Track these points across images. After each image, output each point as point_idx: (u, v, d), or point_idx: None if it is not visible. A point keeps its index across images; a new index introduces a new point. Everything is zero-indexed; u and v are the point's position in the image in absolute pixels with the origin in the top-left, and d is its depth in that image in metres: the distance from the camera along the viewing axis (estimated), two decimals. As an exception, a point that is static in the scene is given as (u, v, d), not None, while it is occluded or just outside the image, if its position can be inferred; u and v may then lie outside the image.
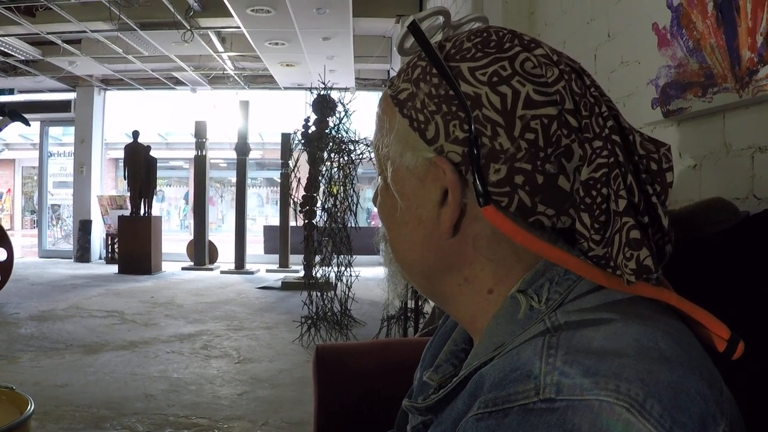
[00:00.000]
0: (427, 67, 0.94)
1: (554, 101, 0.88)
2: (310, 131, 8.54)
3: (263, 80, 16.38)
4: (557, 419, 0.69)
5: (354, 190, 8.06)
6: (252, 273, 14.77)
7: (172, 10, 11.09)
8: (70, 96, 17.20)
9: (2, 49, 13.22)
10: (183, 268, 15.24)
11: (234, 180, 17.14)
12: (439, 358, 1.17)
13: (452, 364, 1.14)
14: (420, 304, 6.73)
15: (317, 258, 8.15)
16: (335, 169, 8.04)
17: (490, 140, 0.88)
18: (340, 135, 8.12)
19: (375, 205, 1.13)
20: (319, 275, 8.13)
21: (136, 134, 14.82)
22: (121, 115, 20.54)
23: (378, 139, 1.02)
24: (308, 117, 8.62)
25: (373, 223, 22.78)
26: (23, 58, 14.20)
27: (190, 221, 23.36)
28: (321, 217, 8.18)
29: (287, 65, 13.98)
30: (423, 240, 0.98)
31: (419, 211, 0.97)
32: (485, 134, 0.88)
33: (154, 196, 15.21)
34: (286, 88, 16.72)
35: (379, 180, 1.07)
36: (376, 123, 1.03)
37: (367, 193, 21.93)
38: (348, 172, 7.95)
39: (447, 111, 0.91)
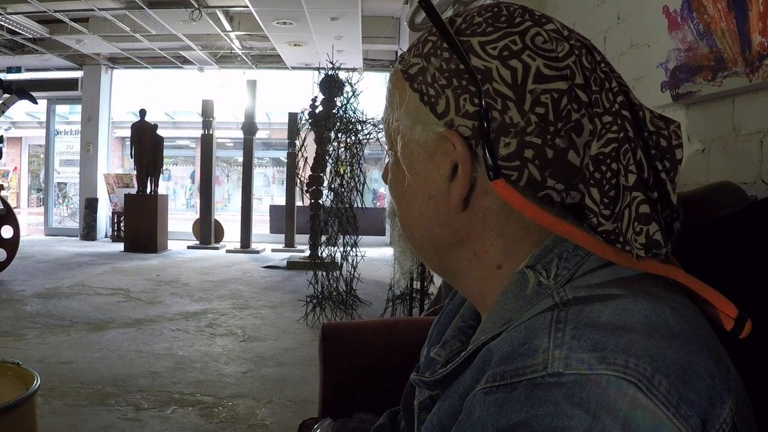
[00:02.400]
0: (438, 41, 0.95)
1: (564, 76, 0.88)
2: (317, 111, 8.53)
3: (271, 60, 16.34)
4: (565, 393, 0.69)
5: (361, 170, 8.06)
6: (258, 252, 14.79)
7: (181, -12, 11.07)
8: (77, 74, 17.17)
9: (9, 27, 13.21)
10: (189, 247, 15.25)
11: (240, 159, 17.15)
12: (446, 334, 1.16)
13: (460, 340, 1.13)
14: (426, 284, 6.74)
15: (323, 238, 8.16)
16: (342, 149, 8.04)
17: (501, 114, 0.88)
18: (347, 115, 8.11)
19: (385, 182, 1.13)
20: (324, 255, 8.15)
21: (143, 113, 14.80)
22: (128, 94, 20.58)
23: (388, 113, 1.03)
24: (315, 97, 8.61)
25: (378, 204, 22.78)
26: (30, 36, 14.19)
27: (196, 200, 23.42)
28: (327, 196, 8.18)
29: (295, 45, 13.94)
30: (433, 215, 0.98)
31: (429, 186, 0.97)
32: (495, 108, 0.88)
33: (161, 175, 15.22)
34: (293, 68, 16.68)
35: (388, 156, 1.08)
36: (387, 98, 1.04)
37: (374, 174, 21.91)
38: (355, 152, 7.94)
39: (457, 85, 0.91)
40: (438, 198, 0.97)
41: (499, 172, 0.88)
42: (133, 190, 15.13)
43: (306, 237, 10.14)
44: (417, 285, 6.79)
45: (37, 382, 2.52)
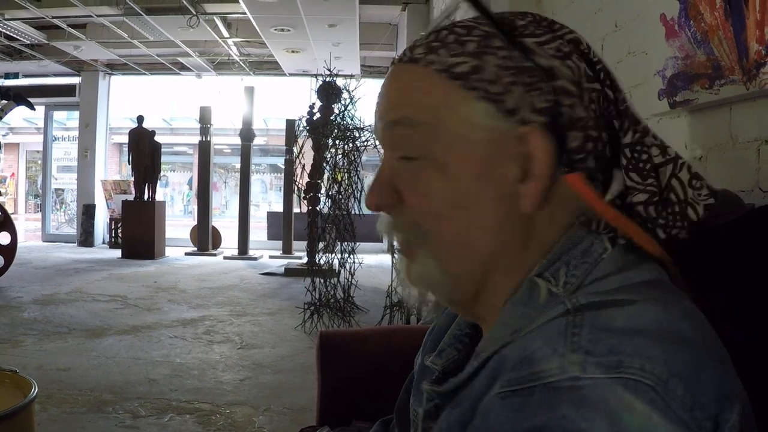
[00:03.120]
0: (485, 40, 0.94)
1: (598, 78, 0.96)
2: (315, 118, 8.53)
3: (268, 66, 16.36)
4: (583, 397, 0.69)
5: (359, 177, 8.06)
6: (255, 259, 14.77)
7: (178, -5, 11.09)
8: (75, 80, 17.17)
9: (7, 33, 13.21)
10: (186, 254, 15.24)
11: (238, 166, 17.14)
12: (443, 342, 1.16)
13: (456, 348, 1.13)
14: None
15: (321, 245, 8.16)
16: (340, 156, 8.03)
17: (571, 108, 0.92)
18: (345, 122, 8.11)
19: (384, 202, 1.01)
20: (322, 262, 8.14)
21: (140, 119, 14.80)
22: (126, 100, 20.60)
23: (421, 120, 0.95)
24: (313, 103, 8.61)
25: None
26: (28, 42, 14.20)
27: (194, 206, 23.40)
28: (325, 203, 8.18)
29: (293, 51, 13.95)
30: (500, 221, 0.94)
31: (495, 188, 0.93)
32: (564, 104, 0.91)
33: (158, 181, 15.21)
34: (291, 75, 16.70)
35: (402, 164, 0.99)
36: (410, 106, 0.96)
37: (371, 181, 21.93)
38: (353, 159, 7.94)
39: (526, 82, 0.91)
40: (509, 200, 0.93)
41: (575, 165, 0.92)
42: (131, 197, 15.13)
43: (303, 244, 10.15)
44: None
45: (34, 390, 2.51)
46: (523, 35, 0.94)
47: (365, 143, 7.93)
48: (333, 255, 8.08)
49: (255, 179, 23.68)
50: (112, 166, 21.72)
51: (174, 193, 32.13)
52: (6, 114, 10.89)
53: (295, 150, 8.69)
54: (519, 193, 0.93)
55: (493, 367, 0.84)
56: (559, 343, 0.76)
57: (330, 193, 8.08)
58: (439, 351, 1.14)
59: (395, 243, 1.06)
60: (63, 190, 24.47)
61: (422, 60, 0.96)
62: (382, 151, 1.04)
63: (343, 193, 7.99)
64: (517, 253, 0.95)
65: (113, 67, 17.07)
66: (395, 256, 1.17)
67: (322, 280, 7.91)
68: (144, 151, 14.53)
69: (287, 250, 15.26)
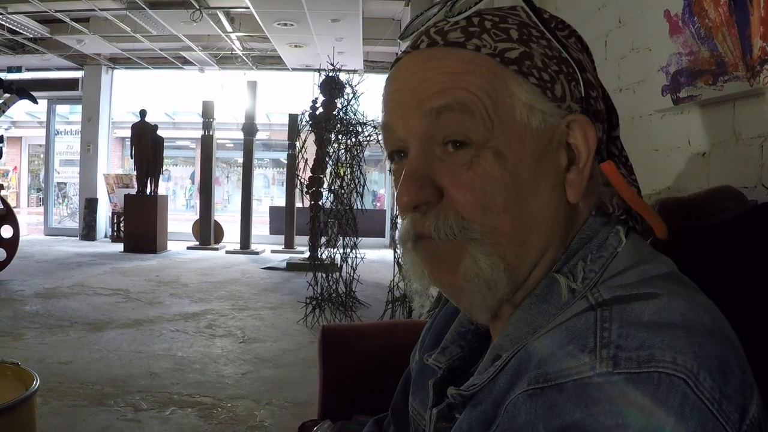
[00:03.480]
0: (523, 28, 0.93)
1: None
2: (317, 112, 8.52)
3: (271, 61, 16.33)
4: (618, 392, 0.69)
5: (361, 172, 8.05)
6: (257, 253, 14.78)
7: (182, -11, 11.07)
8: (78, 74, 17.16)
9: (10, 26, 13.19)
10: (188, 248, 15.25)
11: (240, 160, 17.13)
12: (445, 339, 1.14)
13: (459, 345, 1.12)
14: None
15: (323, 239, 8.16)
16: (342, 151, 8.03)
17: (594, 101, 0.95)
18: (348, 117, 8.10)
19: (419, 199, 0.92)
20: (324, 256, 8.14)
21: (143, 113, 14.79)
22: (129, 94, 20.55)
23: (478, 105, 0.89)
24: (316, 98, 8.60)
25: (378, 205, 22.65)
26: (31, 35, 14.18)
27: (196, 201, 23.40)
28: (327, 198, 8.18)
29: (296, 46, 13.92)
30: (554, 213, 0.92)
31: (548, 177, 0.92)
32: (592, 96, 0.94)
33: (161, 176, 15.22)
34: (294, 69, 16.66)
35: (452, 149, 0.92)
36: (462, 90, 0.89)
37: (373, 176, 21.84)
38: (355, 153, 7.94)
39: (567, 72, 0.92)
40: (559, 190, 0.92)
41: (609, 153, 0.97)
42: (133, 191, 15.11)
43: (305, 238, 10.14)
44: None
45: (36, 383, 2.52)
46: (548, 29, 0.93)
47: (368, 138, 7.91)
48: (335, 250, 8.08)
49: (257, 174, 23.70)
50: (114, 160, 21.71)
51: (176, 187, 32.10)
52: (9, 107, 10.87)
53: (298, 144, 8.69)
54: (566, 182, 0.93)
55: (517, 364, 0.83)
56: (588, 339, 0.75)
57: (333, 187, 8.08)
58: (442, 349, 1.13)
59: (428, 239, 0.94)
60: (65, 183, 24.48)
61: (468, 43, 0.91)
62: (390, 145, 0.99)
63: (345, 187, 7.99)
64: (558, 247, 0.94)
65: (116, 61, 17.06)
66: (402, 251, 1.02)
67: (324, 275, 7.91)
68: (146, 145, 14.53)
69: (289, 245, 15.25)
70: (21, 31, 13.63)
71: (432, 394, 1.07)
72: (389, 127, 0.98)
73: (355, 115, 8.13)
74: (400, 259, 7.35)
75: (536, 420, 0.73)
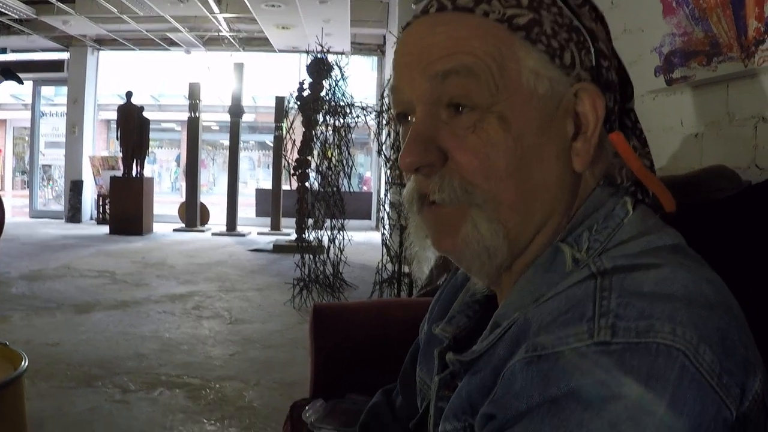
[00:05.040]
0: None
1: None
2: (305, 94, 8.49)
3: (258, 43, 16.30)
4: (615, 362, 0.69)
5: (349, 153, 8.05)
6: (243, 235, 14.79)
7: (168, -31, 11.00)
8: (63, 56, 17.06)
9: (-4, 7, 13.11)
10: (174, 230, 15.23)
11: (226, 143, 17.11)
12: (452, 309, 1.14)
13: (466, 315, 1.12)
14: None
15: (310, 221, 8.16)
16: (330, 132, 8.01)
17: (606, 71, 0.94)
18: (336, 98, 8.08)
19: (422, 161, 0.92)
20: (311, 238, 8.14)
21: (129, 95, 14.70)
22: (115, 76, 20.44)
23: (483, 69, 0.89)
24: (303, 80, 8.57)
25: (365, 188, 22.63)
26: (16, 16, 14.06)
27: (182, 183, 23.33)
28: (315, 180, 8.17)
29: (283, 28, 13.88)
30: (558, 180, 0.92)
31: (553, 145, 0.91)
32: (603, 65, 0.93)
33: (146, 158, 15.16)
34: (280, 51, 16.64)
35: (452, 113, 0.92)
36: (469, 54, 0.89)
37: (360, 158, 21.81)
38: (343, 135, 7.92)
39: (577, 40, 0.92)
40: (564, 158, 0.92)
41: (617, 123, 0.96)
42: (119, 173, 15.03)
43: (292, 221, 10.13)
44: (405, 269, 6.80)
45: (25, 363, 2.50)
46: None
47: (356, 119, 7.90)
48: (322, 231, 8.08)
49: (243, 156, 23.61)
50: (100, 143, 21.60)
51: (162, 170, 32.01)
52: (-6, 88, 10.84)
53: (285, 125, 8.67)
54: (572, 151, 0.92)
55: (516, 332, 0.83)
56: (588, 307, 0.75)
57: (320, 168, 8.06)
58: (449, 318, 1.13)
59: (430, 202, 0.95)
60: (50, 166, 24.32)
61: (476, 9, 0.91)
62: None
63: (333, 169, 7.98)
64: (562, 216, 0.93)
65: (102, 43, 16.97)
66: (407, 212, 1.02)
67: (311, 257, 7.90)
68: (132, 126, 14.45)
69: (275, 227, 15.25)
70: (6, 12, 13.51)
71: (437, 363, 1.07)
72: (397, 89, 0.98)
73: (343, 96, 8.11)
74: (387, 241, 7.38)
75: (532, 388, 0.73)
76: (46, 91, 20.25)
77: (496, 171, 0.89)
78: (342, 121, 7.90)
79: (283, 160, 8.84)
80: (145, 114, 14.88)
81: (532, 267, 0.92)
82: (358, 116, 7.88)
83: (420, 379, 1.20)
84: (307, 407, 1.77)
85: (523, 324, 0.82)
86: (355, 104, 7.89)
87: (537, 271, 0.91)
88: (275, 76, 19.81)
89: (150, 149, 15.62)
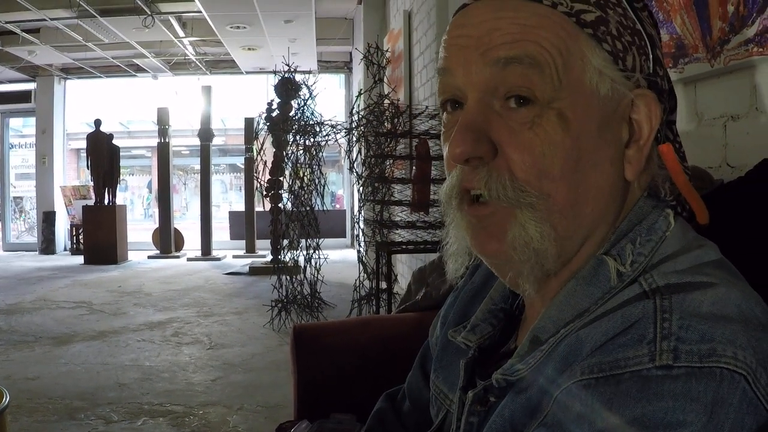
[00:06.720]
0: None
1: None
2: (273, 115, 8.48)
3: (225, 65, 16.29)
4: (681, 387, 0.68)
5: (321, 172, 8.03)
6: (219, 259, 14.70)
7: (132, -5, 10.98)
8: (30, 86, 16.98)
9: (-41, 40, 13.03)
10: (149, 257, 15.12)
11: (197, 167, 17.05)
12: (475, 317, 1.10)
13: (491, 323, 1.08)
14: (391, 282, 6.74)
15: (285, 242, 8.14)
16: (301, 152, 8.00)
17: (661, 80, 0.92)
18: (305, 117, 8.07)
19: (473, 151, 0.88)
20: (287, 259, 8.12)
21: (98, 122, 14.60)
22: (83, 105, 20.36)
23: (548, 61, 0.86)
24: (272, 100, 8.56)
25: (338, 206, 22.62)
26: (-19, 49, 14.01)
27: (155, 210, 23.24)
28: (288, 200, 8.15)
29: (249, 49, 13.87)
30: (610, 187, 0.89)
31: (608, 150, 0.89)
32: (659, 74, 0.91)
33: (118, 185, 15.08)
34: (248, 73, 16.65)
35: (508, 108, 0.88)
36: (534, 43, 0.86)
37: (331, 177, 21.82)
38: (314, 153, 7.91)
39: (639, 45, 0.89)
40: (618, 164, 0.90)
41: (665, 137, 0.94)
42: (91, 202, 14.94)
43: (267, 242, 10.10)
44: (383, 284, 6.79)
45: (6, 399, 2.48)
46: None
47: (326, 137, 7.89)
48: (298, 251, 8.06)
49: (215, 179, 23.53)
50: (70, 172, 21.51)
51: (134, 197, 31.95)
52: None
53: (255, 147, 8.66)
54: (624, 158, 0.90)
55: (565, 351, 0.81)
56: (648, 329, 0.73)
57: (293, 189, 8.04)
58: (473, 327, 1.09)
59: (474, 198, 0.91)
60: (21, 198, 24.16)
61: (555, 4, 0.87)
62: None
63: (305, 188, 7.96)
64: (609, 226, 0.91)
65: (68, 72, 16.89)
66: (445, 208, 0.97)
67: (288, 277, 7.88)
68: (102, 154, 14.37)
69: (251, 249, 15.19)
70: (-30, 44, 13.45)
71: (463, 375, 1.04)
72: (448, 71, 0.93)
73: (312, 115, 8.11)
74: (363, 258, 7.38)
75: (593, 413, 0.71)
76: (14, 122, 20.14)
77: (551, 171, 0.86)
78: (312, 140, 7.89)
79: (255, 181, 8.82)
80: (115, 141, 14.79)
81: (573, 279, 0.89)
82: (327, 134, 7.87)
83: (436, 388, 1.17)
84: (292, 429, 1.76)
85: (575, 343, 0.80)
86: (325, 122, 7.88)
87: (579, 283, 0.88)
88: (244, 98, 19.83)
89: (121, 176, 15.54)
